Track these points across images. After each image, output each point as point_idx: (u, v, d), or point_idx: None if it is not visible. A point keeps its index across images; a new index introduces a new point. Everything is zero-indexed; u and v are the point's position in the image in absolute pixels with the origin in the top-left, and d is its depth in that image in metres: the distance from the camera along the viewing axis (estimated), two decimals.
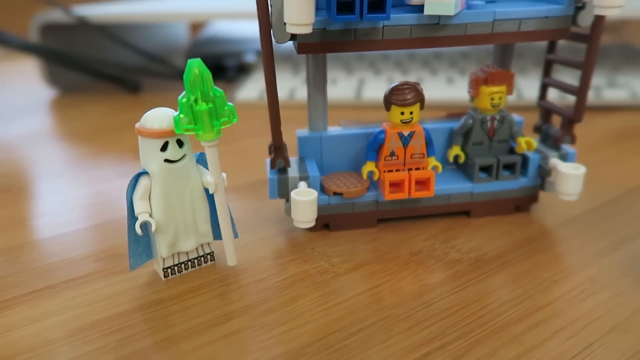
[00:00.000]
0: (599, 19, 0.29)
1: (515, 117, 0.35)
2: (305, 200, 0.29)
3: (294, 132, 0.34)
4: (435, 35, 0.28)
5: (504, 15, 0.28)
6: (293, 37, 0.28)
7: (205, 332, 0.24)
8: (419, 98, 0.30)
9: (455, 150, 0.34)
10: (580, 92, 0.31)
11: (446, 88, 0.57)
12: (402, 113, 0.30)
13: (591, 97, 0.54)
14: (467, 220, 0.34)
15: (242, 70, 0.71)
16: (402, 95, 0.30)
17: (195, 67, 0.24)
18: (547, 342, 0.23)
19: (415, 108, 0.30)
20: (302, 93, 0.57)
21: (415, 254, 0.30)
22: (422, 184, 0.31)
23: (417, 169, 0.31)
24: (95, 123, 0.54)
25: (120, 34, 0.67)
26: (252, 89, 0.60)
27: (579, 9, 0.29)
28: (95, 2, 0.79)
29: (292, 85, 0.59)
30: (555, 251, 0.30)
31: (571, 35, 0.31)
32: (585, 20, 0.29)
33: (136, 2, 0.73)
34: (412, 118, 0.30)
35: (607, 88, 0.56)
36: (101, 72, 0.63)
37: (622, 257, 0.29)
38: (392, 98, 0.30)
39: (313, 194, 0.29)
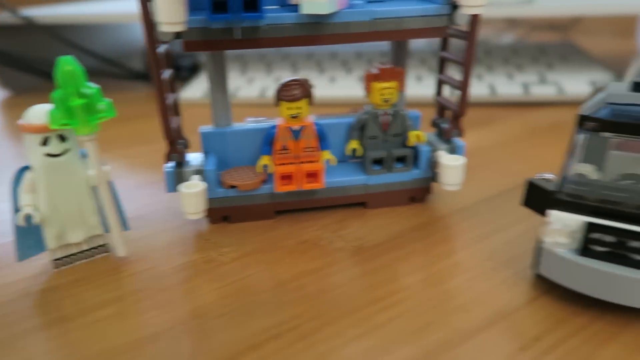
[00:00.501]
0: (474, 18, 0.31)
1: (413, 112, 0.36)
2: (189, 192, 0.30)
3: None
4: (317, 33, 0.30)
5: (383, 14, 0.30)
6: (179, 35, 0.29)
7: (77, 318, 0.25)
8: (306, 94, 0.31)
9: (353, 144, 0.35)
10: (463, 87, 0.32)
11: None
12: (290, 108, 0.31)
13: (520, 93, 0.56)
14: (362, 211, 0.35)
15: (196, 70, 0.72)
16: (289, 91, 0.31)
17: (67, 65, 0.25)
18: (393, 321, 0.24)
19: (303, 103, 0.31)
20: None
21: (302, 243, 0.31)
22: (313, 176, 0.33)
23: (311, 162, 0.33)
24: None
25: (76, 35, 0.68)
26: (198, 88, 0.61)
27: (455, 8, 0.31)
28: (51, 3, 0.80)
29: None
30: (433, 239, 0.31)
31: (454, 33, 0.32)
32: (460, 19, 0.31)
33: (91, 3, 0.74)
34: (299, 113, 0.31)
35: (537, 85, 0.57)
36: (52, 73, 0.64)
37: (492, 244, 0.30)
38: (280, 94, 0.31)
39: (199, 186, 0.31)
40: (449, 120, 0.35)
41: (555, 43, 0.73)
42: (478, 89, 0.57)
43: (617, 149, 0.29)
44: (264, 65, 0.67)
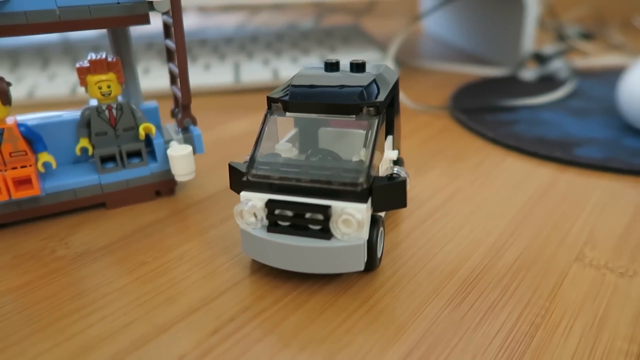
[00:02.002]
0: (175, 4, 0.30)
1: (150, 103, 0.35)
2: None
3: None
4: None
5: (69, 2, 0.28)
6: None
7: None
8: None
9: (83, 142, 0.33)
10: (180, 74, 0.32)
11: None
12: None
13: None
14: (102, 212, 0.33)
15: None
16: None
17: None
18: (89, 328, 0.23)
19: None
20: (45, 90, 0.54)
21: (19, 257, 0.29)
22: (27, 182, 0.30)
23: (24, 167, 0.30)
24: None
25: None
26: None
27: None
28: None
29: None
30: (164, 233, 0.30)
31: (165, 21, 0.32)
32: (161, 6, 0.30)
33: None
34: None
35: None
36: None
37: (219, 232, 0.30)
38: None
39: None
40: (180, 109, 0.34)
41: (342, 26, 0.78)
42: (262, 74, 0.58)
43: (323, 126, 0.31)
44: (70, 60, 0.61)
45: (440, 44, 0.78)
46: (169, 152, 0.32)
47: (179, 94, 0.33)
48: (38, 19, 0.27)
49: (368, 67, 0.30)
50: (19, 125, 0.30)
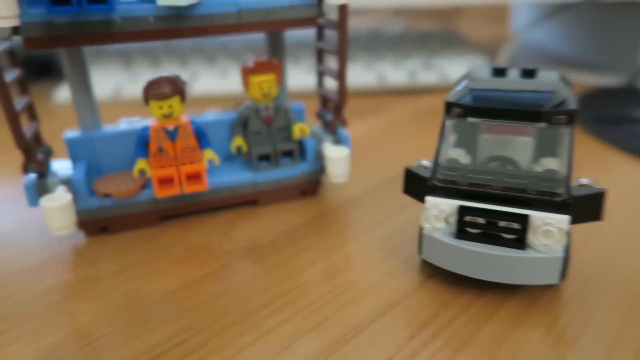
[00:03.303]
0: (342, 8, 0.30)
1: (297, 104, 0.36)
2: (51, 206, 0.27)
3: None
4: (179, 26, 0.28)
5: (249, 5, 0.29)
6: (17, 31, 0.25)
7: None
8: (177, 90, 0.29)
9: (238, 141, 0.34)
10: (339, 77, 0.32)
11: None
12: (161, 107, 0.29)
13: (407, 80, 0.58)
14: (253, 210, 0.34)
15: None
16: (159, 89, 0.29)
17: None
18: (285, 323, 0.24)
19: (175, 101, 0.29)
20: (130, 89, 0.56)
21: (190, 249, 0.30)
22: (195, 178, 0.31)
23: (191, 163, 0.31)
24: None
25: None
26: None
27: None
28: None
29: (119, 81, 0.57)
30: (323, 234, 0.31)
31: (326, 23, 0.32)
32: (330, 9, 0.30)
33: None
34: (172, 112, 0.29)
35: (423, 71, 0.59)
36: None
37: (380, 233, 0.30)
38: (149, 92, 0.29)
39: (63, 198, 0.28)
40: (333, 111, 0.34)
41: (438, 30, 0.77)
42: (367, 78, 0.58)
43: (483, 132, 0.31)
44: (150, 61, 0.63)
45: (534, 51, 0.76)
46: (328, 153, 0.32)
47: (330, 95, 0.34)
48: (221, 21, 0.28)
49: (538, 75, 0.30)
50: (190, 122, 0.31)
